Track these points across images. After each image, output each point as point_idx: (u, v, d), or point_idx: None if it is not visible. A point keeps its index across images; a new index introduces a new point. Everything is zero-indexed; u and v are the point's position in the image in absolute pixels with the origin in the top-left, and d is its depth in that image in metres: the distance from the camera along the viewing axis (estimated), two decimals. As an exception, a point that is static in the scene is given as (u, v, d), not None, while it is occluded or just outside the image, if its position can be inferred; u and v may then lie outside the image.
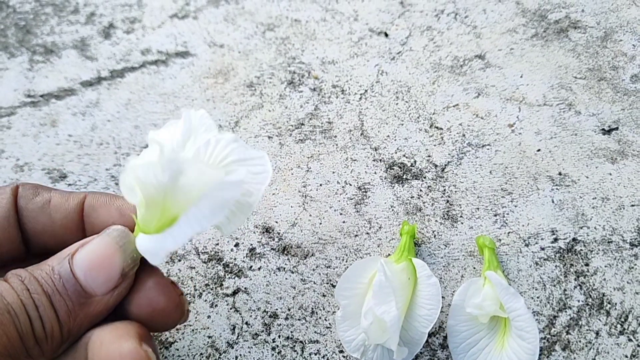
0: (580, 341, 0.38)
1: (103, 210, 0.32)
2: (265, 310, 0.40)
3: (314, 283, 0.41)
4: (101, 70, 0.53)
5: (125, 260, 0.29)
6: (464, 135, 0.48)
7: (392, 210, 0.44)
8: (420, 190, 0.45)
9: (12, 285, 0.27)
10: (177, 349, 0.39)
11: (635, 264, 0.41)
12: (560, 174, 0.45)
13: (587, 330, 0.38)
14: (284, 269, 0.42)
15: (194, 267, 0.42)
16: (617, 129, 0.48)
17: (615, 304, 0.39)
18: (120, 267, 0.29)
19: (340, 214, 0.44)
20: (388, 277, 0.36)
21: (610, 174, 0.45)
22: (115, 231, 0.29)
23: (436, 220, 0.44)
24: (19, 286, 0.27)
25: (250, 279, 0.41)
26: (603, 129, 0.48)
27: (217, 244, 0.43)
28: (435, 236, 0.43)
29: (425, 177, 0.46)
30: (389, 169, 0.46)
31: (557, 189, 0.44)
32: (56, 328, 0.27)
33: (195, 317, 0.40)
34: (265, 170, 0.29)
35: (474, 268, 0.41)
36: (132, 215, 0.30)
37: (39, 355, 0.27)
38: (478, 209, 0.44)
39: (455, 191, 0.45)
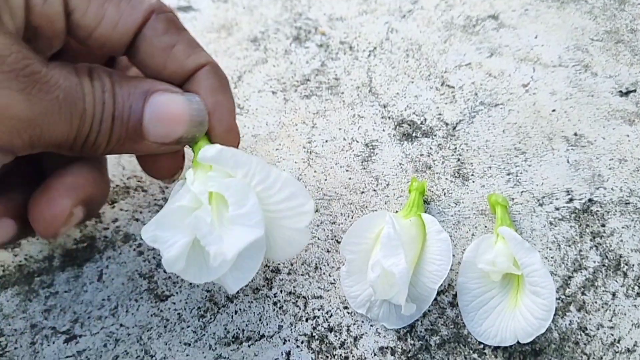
0: (596, 302, 0.36)
1: (203, 95, 0.31)
2: (266, 265, 0.38)
3: (318, 239, 0.40)
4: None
5: (187, 133, 0.30)
6: (476, 94, 0.46)
7: (401, 167, 0.42)
8: (430, 148, 0.43)
9: (95, 92, 0.28)
10: (174, 303, 0.37)
11: (654, 226, 0.39)
12: (575, 134, 0.43)
13: (603, 291, 0.37)
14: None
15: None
16: (634, 91, 0.46)
17: (633, 265, 0.38)
18: (180, 135, 0.30)
19: (347, 170, 0.42)
20: (397, 230, 0.34)
21: (628, 136, 0.43)
22: (197, 104, 0.31)
23: (446, 179, 0.42)
24: (99, 97, 0.28)
25: (252, 234, 0.40)
26: (620, 91, 0.46)
27: (218, 198, 0.41)
28: (445, 194, 0.41)
29: (435, 135, 0.44)
30: (397, 127, 0.45)
31: (572, 149, 0.43)
32: (104, 144, 0.29)
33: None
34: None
35: (485, 227, 0.40)
36: (218, 122, 0.32)
37: (78, 152, 0.29)
38: (490, 167, 0.42)
39: (467, 150, 0.43)
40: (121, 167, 0.43)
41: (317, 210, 0.41)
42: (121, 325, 0.37)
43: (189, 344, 0.36)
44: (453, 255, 0.38)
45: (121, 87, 0.29)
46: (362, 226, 0.36)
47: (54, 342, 0.36)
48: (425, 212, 0.40)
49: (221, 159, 0.30)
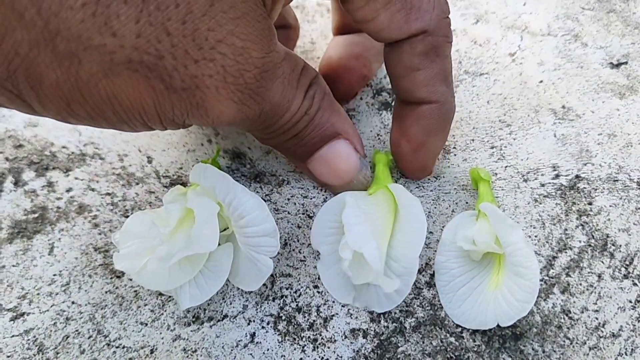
0: (580, 284, 0.34)
1: (398, 75, 0.32)
2: (232, 240, 0.36)
3: (289, 213, 0.37)
4: None
5: (337, 189, 0.35)
6: (460, 63, 0.43)
7: (379, 139, 0.40)
8: (410, 118, 0.40)
9: (305, 99, 0.31)
10: (131, 279, 0.34)
11: (642, 205, 0.37)
12: (563, 107, 0.41)
13: (588, 272, 0.35)
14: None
15: (154, 192, 0.38)
16: (626, 63, 0.44)
17: (620, 245, 0.36)
18: (332, 186, 0.35)
19: (321, 140, 0.40)
20: (360, 207, 0.31)
21: (618, 110, 0.41)
22: (365, 171, 0.35)
23: (426, 151, 0.39)
24: (307, 105, 0.31)
25: (217, 206, 0.37)
26: (611, 63, 0.43)
27: (181, 168, 0.38)
28: (424, 168, 0.38)
29: (416, 105, 0.41)
30: (376, 95, 0.42)
31: (560, 122, 0.40)
32: (282, 137, 0.32)
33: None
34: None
35: (467, 202, 0.37)
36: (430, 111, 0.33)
37: (260, 131, 0.31)
38: (473, 140, 0.40)
39: (449, 121, 0.40)
40: (77, 132, 0.40)
41: (288, 182, 0.38)
42: (73, 302, 0.34)
43: (146, 324, 0.33)
44: (432, 233, 0.36)
45: (322, 116, 0.31)
46: (327, 215, 0.33)
47: (-2, 320, 0.33)
48: (397, 182, 0.37)
49: (194, 176, 0.32)
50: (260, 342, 0.32)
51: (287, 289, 0.34)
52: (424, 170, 0.37)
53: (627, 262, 0.35)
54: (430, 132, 0.33)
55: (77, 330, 0.33)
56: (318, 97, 0.31)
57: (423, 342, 0.32)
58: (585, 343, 0.32)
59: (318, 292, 0.34)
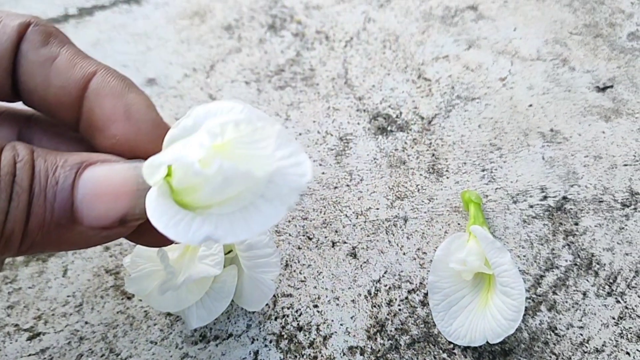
0: (567, 302, 0.36)
1: (108, 102, 0.25)
2: (236, 262, 0.38)
3: (290, 235, 0.39)
4: (68, 8, 0.50)
5: (133, 209, 0.23)
6: (453, 88, 0.45)
7: (375, 162, 0.42)
8: (405, 142, 0.43)
9: (1, 160, 0.21)
10: (141, 300, 0.36)
11: (626, 225, 0.39)
12: (552, 130, 0.43)
13: (574, 290, 0.37)
14: (258, 219, 0.39)
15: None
16: (612, 86, 0.46)
17: (604, 264, 0.38)
18: (124, 213, 0.23)
19: (320, 164, 0.42)
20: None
21: (604, 132, 0.43)
22: (140, 168, 0.23)
23: (421, 174, 0.41)
24: (6, 166, 0.21)
25: (222, 229, 0.39)
26: (597, 87, 0.45)
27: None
28: (419, 190, 0.40)
29: (410, 130, 0.43)
30: (373, 120, 0.44)
31: (548, 145, 0.42)
32: (18, 233, 0.22)
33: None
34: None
35: (459, 224, 0.39)
36: (139, 123, 0.25)
37: None
38: (465, 163, 0.42)
39: (442, 145, 0.42)
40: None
41: (288, 206, 0.40)
42: (86, 322, 0.36)
43: (155, 343, 0.35)
44: (425, 253, 0.38)
45: (45, 159, 0.23)
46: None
47: (16, 340, 0.35)
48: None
49: None
50: None
51: (288, 308, 0.36)
52: (161, 126, 0.27)
53: (611, 280, 0.37)
54: (123, 90, 0.27)
55: (90, 349, 0.35)
56: (20, 148, 0.23)
57: (417, 359, 0.34)
58: (570, 358, 0.34)
59: (318, 311, 0.36)
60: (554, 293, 0.36)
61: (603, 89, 0.45)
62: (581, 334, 0.35)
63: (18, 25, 0.25)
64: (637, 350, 0.34)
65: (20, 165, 0.22)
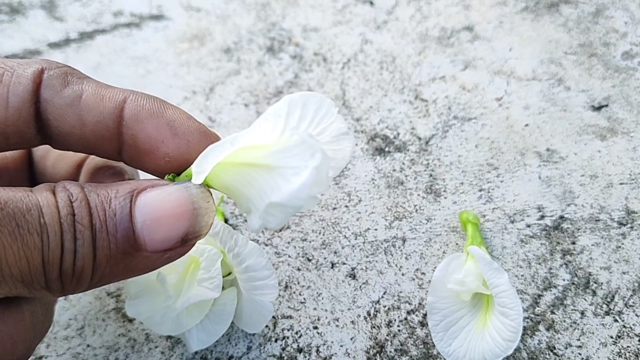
0: (565, 321, 0.36)
1: (150, 124, 0.26)
2: (236, 284, 0.38)
3: (289, 256, 0.39)
4: (70, 32, 0.50)
5: (193, 227, 0.24)
6: (449, 108, 0.46)
7: (373, 183, 0.42)
8: (403, 163, 0.43)
9: (58, 202, 0.22)
10: (142, 323, 0.37)
11: (623, 244, 0.39)
12: (548, 149, 0.44)
13: (572, 310, 0.37)
14: (258, 241, 0.40)
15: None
16: (607, 105, 0.46)
17: (602, 283, 0.38)
18: (184, 232, 0.24)
19: (319, 185, 0.42)
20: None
21: (600, 151, 0.43)
22: (194, 189, 0.25)
23: (418, 195, 0.42)
24: (65, 207, 0.22)
25: (222, 251, 0.39)
26: (593, 106, 0.46)
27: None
28: (417, 211, 0.41)
29: (408, 150, 0.44)
30: (370, 141, 0.44)
31: (544, 165, 0.43)
32: (88, 269, 0.23)
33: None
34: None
35: (457, 244, 0.39)
36: (187, 136, 0.26)
37: (56, 291, 0.23)
38: (462, 183, 0.42)
39: (439, 165, 0.43)
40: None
41: (288, 227, 0.40)
42: (88, 345, 0.36)
43: (156, 366, 0.35)
44: (424, 273, 0.38)
45: (97, 193, 0.23)
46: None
47: (18, 364, 0.35)
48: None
49: None
50: (264, 382, 0.35)
51: (288, 330, 0.36)
52: (205, 132, 0.28)
53: (609, 299, 0.37)
54: (160, 108, 0.28)
55: (92, 372, 0.35)
56: (71, 187, 0.23)
57: (417, 380, 0.35)
58: (569, 378, 0.34)
59: (318, 333, 0.36)
60: (552, 312, 0.37)
61: (598, 108, 0.46)
62: (580, 354, 0.35)
63: (32, 73, 0.25)
64: (636, 369, 0.34)
65: (77, 204, 0.22)
